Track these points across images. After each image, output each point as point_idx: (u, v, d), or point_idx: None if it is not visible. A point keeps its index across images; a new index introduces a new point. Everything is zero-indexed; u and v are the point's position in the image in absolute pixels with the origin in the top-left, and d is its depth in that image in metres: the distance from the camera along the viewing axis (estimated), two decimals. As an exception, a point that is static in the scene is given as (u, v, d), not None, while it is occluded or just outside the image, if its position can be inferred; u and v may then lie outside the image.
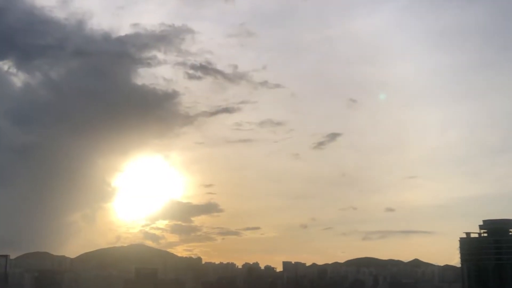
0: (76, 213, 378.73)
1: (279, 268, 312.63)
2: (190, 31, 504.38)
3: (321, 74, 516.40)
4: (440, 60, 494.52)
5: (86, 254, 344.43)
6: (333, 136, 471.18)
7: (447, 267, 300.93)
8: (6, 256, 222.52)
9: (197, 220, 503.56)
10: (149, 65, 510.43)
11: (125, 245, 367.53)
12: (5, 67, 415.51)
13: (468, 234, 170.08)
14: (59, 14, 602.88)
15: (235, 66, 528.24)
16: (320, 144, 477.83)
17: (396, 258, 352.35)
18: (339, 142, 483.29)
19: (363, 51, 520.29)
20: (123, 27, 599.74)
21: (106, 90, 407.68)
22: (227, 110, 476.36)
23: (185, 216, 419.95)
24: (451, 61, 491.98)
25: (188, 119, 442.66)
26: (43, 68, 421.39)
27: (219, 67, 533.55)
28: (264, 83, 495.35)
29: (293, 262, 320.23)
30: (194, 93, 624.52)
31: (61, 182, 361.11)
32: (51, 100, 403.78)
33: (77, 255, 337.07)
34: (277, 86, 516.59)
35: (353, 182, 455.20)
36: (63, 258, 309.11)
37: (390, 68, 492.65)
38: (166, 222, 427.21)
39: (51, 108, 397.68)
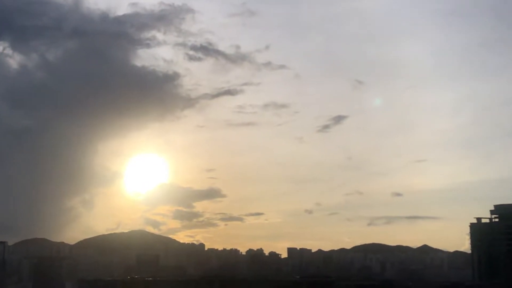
0: (75, 198, 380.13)
1: (284, 255, 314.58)
2: (190, 10, 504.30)
3: (327, 54, 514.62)
4: (451, 38, 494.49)
5: (86, 240, 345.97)
6: (339, 118, 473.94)
7: (457, 253, 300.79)
8: (4, 243, 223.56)
9: (199, 206, 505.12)
10: (148, 46, 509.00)
11: (126, 231, 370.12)
12: (1, 49, 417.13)
13: (478, 219, 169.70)
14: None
15: (237, 47, 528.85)
16: (326, 127, 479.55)
17: (404, 244, 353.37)
18: (345, 125, 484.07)
19: (370, 29, 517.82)
20: (121, 7, 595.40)
21: (105, 72, 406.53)
22: (229, 92, 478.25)
23: (186, 201, 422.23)
24: (463, 39, 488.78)
25: (189, 102, 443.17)
26: (39, 49, 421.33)
27: (221, 47, 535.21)
28: (268, 64, 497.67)
29: (298, 249, 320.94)
30: (195, 75, 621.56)
31: (59, 166, 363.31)
32: (47, 82, 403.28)
33: (77, 241, 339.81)
34: (281, 67, 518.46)
35: (359, 166, 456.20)
36: (62, 244, 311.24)
37: (399, 47, 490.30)
38: (167, 207, 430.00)
39: (48, 90, 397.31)
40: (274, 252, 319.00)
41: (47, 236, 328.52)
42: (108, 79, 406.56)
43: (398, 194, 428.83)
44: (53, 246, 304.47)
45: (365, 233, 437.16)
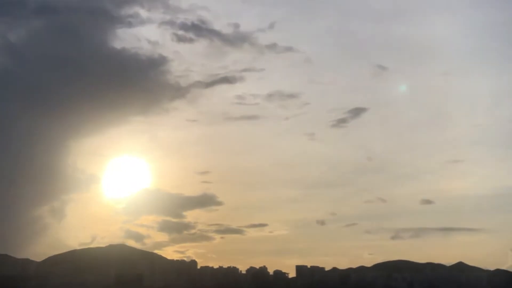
0: (42, 206, 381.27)
1: (292, 274, 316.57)
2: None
3: (343, 35, 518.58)
4: (493, 16, 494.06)
5: (55, 256, 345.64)
6: (358, 111, 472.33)
7: (498, 272, 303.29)
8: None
9: (190, 215, 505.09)
10: (130, 24, 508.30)
11: (103, 245, 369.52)
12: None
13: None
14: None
15: (236, 26, 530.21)
16: (341, 122, 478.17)
17: (435, 261, 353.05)
18: (365, 119, 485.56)
19: (395, 5, 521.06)
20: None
21: (78, 56, 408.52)
22: (226, 80, 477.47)
23: (175, 210, 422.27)
24: (506, 17, 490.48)
25: (179, 91, 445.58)
26: (1, 30, 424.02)
27: (216, 26, 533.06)
28: (272, 47, 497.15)
29: (308, 266, 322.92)
30: (186, 59, 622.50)
31: (23, 169, 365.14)
32: (9, 69, 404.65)
33: (44, 258, 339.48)
34: (288, 49, 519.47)
35: (381, 168, 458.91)
36: (27, 261, 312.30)
37: (429, 26, 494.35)
38: (152, 217, 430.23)
39: (10, 78, 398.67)
40: (280, 271, 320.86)
41: (9, 252, 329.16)
42: (82, 65, 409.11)
43: (429, 202, 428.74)
44: (17, 263, 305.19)
45: (389, 248, 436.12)
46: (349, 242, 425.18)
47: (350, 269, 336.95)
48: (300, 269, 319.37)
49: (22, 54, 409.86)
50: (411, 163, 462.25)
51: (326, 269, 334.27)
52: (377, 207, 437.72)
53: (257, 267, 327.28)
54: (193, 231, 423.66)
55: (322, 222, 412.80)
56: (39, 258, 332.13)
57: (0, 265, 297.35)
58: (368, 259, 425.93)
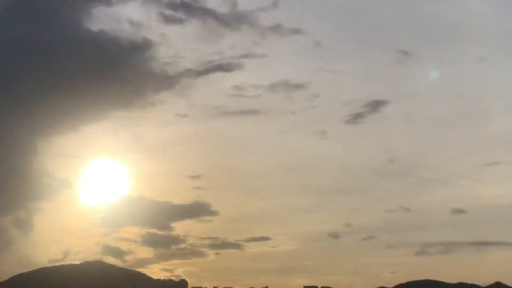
0: (4, 217, 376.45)
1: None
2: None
3: (359, 14, 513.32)
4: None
5: (21, 275, 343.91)
6: (377, 104, 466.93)
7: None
8: None
9: (180, 227, 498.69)
10: (108, 3, 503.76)
11: (77, 262, 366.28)
12: None
13: None
14: None
15: (234, 4, 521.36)
16: (358, 117, 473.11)
17: (468, 281, 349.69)
18: (385, 113, 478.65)
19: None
20: None
21: (47, 40, 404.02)
22: (222, 67, 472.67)
23: (162, 221, 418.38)
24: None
25: (167, 81, 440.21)
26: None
27: (210, 5, 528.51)
28: (276, 28, 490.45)
29: (319, 287, 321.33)
30: (175, 44, 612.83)
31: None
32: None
33: (8, 277, 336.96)
34: (295, 32, 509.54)
35: (405, 172, 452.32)
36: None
37: (461, 3, 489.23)
38: (135, 230, 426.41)
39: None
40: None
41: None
42: (52, 50, 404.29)
43: (460, 211, 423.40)
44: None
45: (414, 266, 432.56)
46: (367, 258, 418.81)
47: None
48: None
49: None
50: (440, 165, 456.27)
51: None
52: (399, 218, 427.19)
53: (259, 287, 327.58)
54: (183, 245, 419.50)
55: (335, 235, 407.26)
56: (1, 278, 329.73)
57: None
58: (389, 278, 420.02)
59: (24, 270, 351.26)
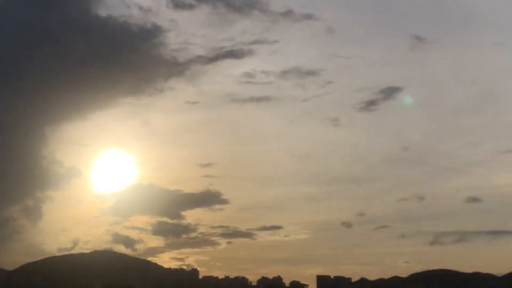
0: (13, 206, 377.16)
1: (312, 285, 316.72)
2: None
3: (372, 0, 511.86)
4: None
5: (30, 264, 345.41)
6: (390, 91, 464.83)
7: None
8: None
9: (191, 216, 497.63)
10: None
11: (86, 251, 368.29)
12: None
13: None
14: None
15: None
16: (371, 104, 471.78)
17: (483, 271, 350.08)
18: (399, 101, 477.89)
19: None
20: None
21: (55, 26, 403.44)
22: (232, 54, 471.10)
23: (173, 210, 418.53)
24: None
25: (176, 68, 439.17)
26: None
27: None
28: (288, 14, 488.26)
29: (332, 277, 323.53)
30: (185, 30, 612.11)
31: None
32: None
33: (17, 266, 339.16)
34: (307, 17, 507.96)
35: (419, 160, 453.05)
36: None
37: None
38: (145, 218, 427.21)
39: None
40: (298, 282, 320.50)
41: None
42: (60, 36, 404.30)
43: (476, 200, 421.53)
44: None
45: (428, 255, 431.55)
46: (380, 248, 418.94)
47: (381, 280, 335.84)
48: (322, 280, 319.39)
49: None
50: (455, 153, 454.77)
51: (353, 280, 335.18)
52: (413, 206, 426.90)
53: (270, 277, 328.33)
54: (194, 234, 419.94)
55: (348, 224, 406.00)
56: (10, 267, 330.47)
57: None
58: (403, 268, 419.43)
59: (33, 259, 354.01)
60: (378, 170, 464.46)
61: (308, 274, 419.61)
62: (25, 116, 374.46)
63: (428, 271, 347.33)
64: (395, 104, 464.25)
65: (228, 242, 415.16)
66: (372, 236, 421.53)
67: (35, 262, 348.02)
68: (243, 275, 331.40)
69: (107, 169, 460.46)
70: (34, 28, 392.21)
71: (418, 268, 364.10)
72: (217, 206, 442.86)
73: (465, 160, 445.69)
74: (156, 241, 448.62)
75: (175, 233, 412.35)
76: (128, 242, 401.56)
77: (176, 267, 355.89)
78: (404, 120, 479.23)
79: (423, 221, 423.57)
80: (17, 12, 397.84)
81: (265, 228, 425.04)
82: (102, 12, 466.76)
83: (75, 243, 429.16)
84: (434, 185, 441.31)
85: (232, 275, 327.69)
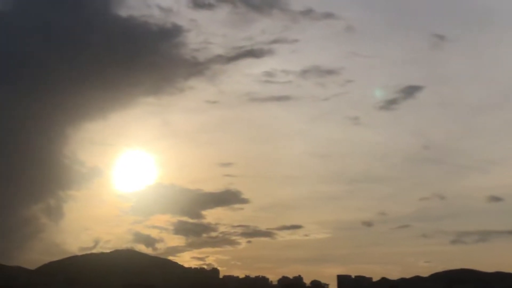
0: (35, 205, 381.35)
1: (333, 285, 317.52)
2: None
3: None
4: None
5: (52, 264, 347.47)
6: (411, 90, 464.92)
7: None
8: None
9: (211, 215, 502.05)
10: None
11: (108, 251, 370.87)
12: None
13: None
14: None
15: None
16: (391, 103, 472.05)
17: (505, 270, 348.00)
18: (420, 99, 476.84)
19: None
20: None
21: (75, 26, 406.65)
22: (252, 53, 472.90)
23: (193, 209, 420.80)
24: None
25: (196, 68, 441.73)
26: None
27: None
28: (308, 13, 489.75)
29: (352, 276, 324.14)
30: (205, 29, 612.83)
31: (11, 161, 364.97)
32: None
33: (39, 265, 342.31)
34: (327, 16, 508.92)
35: (440, 159, 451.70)
36: (19, 270, 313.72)
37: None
38: (166, 218, 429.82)
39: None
40: (319, 282, 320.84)
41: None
42: (81, 36, 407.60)
43: (497, 199, 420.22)
44: (7, 272, 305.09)
45: (449, 255, 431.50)
46: (401, 247, 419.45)
47: (402, 280, 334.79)
48: (342, 279, 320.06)
49: (8, 23, 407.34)
50: (476, 152, 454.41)
51: (374, 279, 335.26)
52: (434, 206, 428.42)
53: (291, 276, 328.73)
54: (214, 234, 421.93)
55: (368, 224, 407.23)
56: (32, 266, 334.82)
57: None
58: (425, 267, 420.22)
59: (55, 258, 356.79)
60: (398, 169, 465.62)
61: (329, 273, 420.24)
62: (47, 116, 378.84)
63: (449, 270, 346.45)
64: (415, 103, 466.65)
65: (248, 242, 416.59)
66: (393, 235, 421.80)
67: (57, 261, 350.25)
68: (263, 275, 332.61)
69: (128, 169, 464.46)
70: (56, 29, 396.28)
71: (439, 267, 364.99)
72: (237, 206, 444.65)
73: (487, 159, 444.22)
74: (177, 241, 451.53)
75: (196, 232, 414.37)
76: (149, 241, 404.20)
77: (196, 266, 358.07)
78: (425, 119, 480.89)
79: (444, 220, 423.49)
80: (38, 13, 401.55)
81: (285, 228, 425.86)
82: (123, 12, 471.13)
83: (97, 242, 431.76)
84: (455, 184, 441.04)
85: (252, 274, 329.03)
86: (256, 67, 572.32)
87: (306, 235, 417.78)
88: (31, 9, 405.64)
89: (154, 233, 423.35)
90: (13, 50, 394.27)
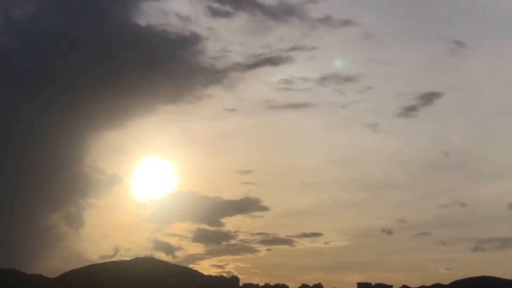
0: (55, 213, 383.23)
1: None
2: None
3: (411, 4, 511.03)
4: None
5: (72, 272, 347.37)
6: (430, 96, 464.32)
7: None
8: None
9: (230, 223, 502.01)
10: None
11: (128, 258, 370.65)
12: None
13: None
14: None
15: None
16: (411, 109, 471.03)
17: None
18: (439, 106, 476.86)
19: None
20: None
21: (95, 36, 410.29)
22: (270, 61, 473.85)
23: (212, 216, 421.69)
24: None
25: (215, 75, 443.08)
26: (3, 4, 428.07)
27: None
28: (326, 20, 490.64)
29: (373, 284, 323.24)
30: (223, 37, 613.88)
31: (32, 169, 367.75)
32: (14, 50, 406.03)
33: (59, 273, 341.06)
34: (345, 23, 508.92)
35: (460, 165, 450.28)
36: (39, 278, 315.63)
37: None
38: (185, 225, 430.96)
39: (14, 61, 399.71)
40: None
41: (18, 266, 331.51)
42: (100, 45, 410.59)
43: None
44: (27, 280, 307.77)
45: (470, 262, 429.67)
46: (421, 255, 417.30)
47: (423, 287, 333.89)
48: (363, 287, 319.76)
49: (29, 33, 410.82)
50: (497, 158, 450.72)
51: (395, 287, 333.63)
52: (455, 213, 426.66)
53: (311, 284, 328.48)
54: (233, 241, 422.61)
55: (388, 231, 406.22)
56: (52, 274, 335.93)
57: (7, 282, 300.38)
58: (445, 275, 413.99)
59: (74, 266, 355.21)
60: (418, 176, 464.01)
61: (349, 281, 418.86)
62: (67, 124, 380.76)
63: (470, 278, 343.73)
64: (435, 110, 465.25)
65: (268, 249, 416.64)
66: (413, 242, 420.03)
67: (77, 270, 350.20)
68: (283, 282, 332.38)
69: (147, 177, 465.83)
70: (75, 37, 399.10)
71: (460, 275, 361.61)
72: (256, 213, 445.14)
73: (507, 165, 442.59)
74: (196, 248, 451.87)
75: (215, 240, 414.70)
76: (169, 249, 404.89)
77: (216, 274, 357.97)
78: (444, 125, 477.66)
79: (464, 228, 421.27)
80: (59, 22, 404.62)
81: (305, 235, 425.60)
82: (142, 21, 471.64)
83: (117, 250, 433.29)
84: (475, 191, 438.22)
85: (272, 282, 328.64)
86: (274, 74, 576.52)
87: (326, 243, 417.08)
88: (52, 18, 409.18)
89: (173, 241, 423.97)
90: (33, 59, 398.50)
